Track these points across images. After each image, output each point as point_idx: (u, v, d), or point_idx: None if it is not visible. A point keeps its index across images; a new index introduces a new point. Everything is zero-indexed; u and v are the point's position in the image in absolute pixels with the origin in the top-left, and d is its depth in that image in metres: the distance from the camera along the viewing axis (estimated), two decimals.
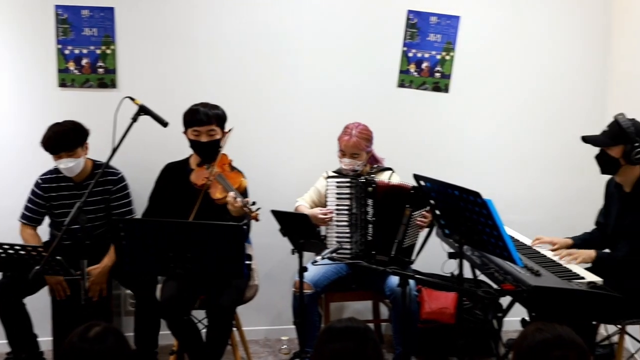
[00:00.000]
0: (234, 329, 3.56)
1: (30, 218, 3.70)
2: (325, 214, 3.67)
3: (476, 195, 2.75)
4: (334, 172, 3.84)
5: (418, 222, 3.62)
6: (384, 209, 3.64)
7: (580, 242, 3.46)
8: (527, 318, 3.44)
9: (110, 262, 3.60)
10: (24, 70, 4.04)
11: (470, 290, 3.41)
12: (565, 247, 3.39)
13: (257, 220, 3.29)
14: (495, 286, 3.28)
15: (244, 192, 3.50)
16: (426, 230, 3.71)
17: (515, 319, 3.58)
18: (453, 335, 3.79)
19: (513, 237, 3.56)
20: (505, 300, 3.68)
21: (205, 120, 3.53)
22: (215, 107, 3.62)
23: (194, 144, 3.59)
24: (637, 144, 3.11)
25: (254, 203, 3.29)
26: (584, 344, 1.81)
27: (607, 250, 3.37)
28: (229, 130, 3.59)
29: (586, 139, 3.28)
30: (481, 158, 4.42)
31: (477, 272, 3.65)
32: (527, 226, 3.87)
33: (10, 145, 4.06)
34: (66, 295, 3.56)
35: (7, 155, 4.07)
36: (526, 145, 4.46)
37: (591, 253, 3.25)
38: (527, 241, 3.57)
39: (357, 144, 3.70)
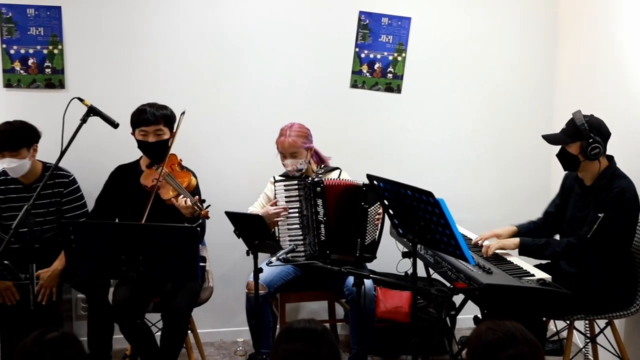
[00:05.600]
0: (189, 331, 3.53)
1: None
2: (276, 207, 3.67)
3: (429, 194, 2.79)
4: (280, 176, 3.83)
5: (375, 218, 3.65)
6: (336, 208, 3.66)
7: (524, 230, 3.55)
8: (479, 315, 3.50)
9: (60, 266, 3.51)
10: None
11: (424, 289, 3.46)
12: (509, 236, 3.49)
13: (207, 217, 3.27)
14: (448, 284, 3.33)
15: (194, 191, 3.47)
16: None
17: (468, 316, 3.63)
18: (408, 334, 3.83)
19: (465, 236, 3.62)
20: (458, 299, 3.73)
21: (152, 120, 3.49)
22: (163, 107, 3.58)
23: (141, 145, 3.54)
24: (591, 140, 3.18)
25: (203, 201, 3.27)
26: (536, 340, 1.84)
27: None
28: (182, 114, 3.53)
29: (546, 138, 3.35)
30: (434, 158, 4.48)
31: (431, 271, 3.70)
32: (480, 224, 3.93)
33: None
34: (15, 300, 3.47)
35: None
36: (478, 145, 4.53)
37: (515, 240, 3.35)
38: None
39: (294, 142, 3.70)
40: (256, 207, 3.84)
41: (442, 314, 3.83)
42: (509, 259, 3.30)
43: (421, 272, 3.30)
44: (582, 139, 3.20)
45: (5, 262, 3.04)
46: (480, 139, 4.53)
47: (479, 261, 3.12)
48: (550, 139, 3.34)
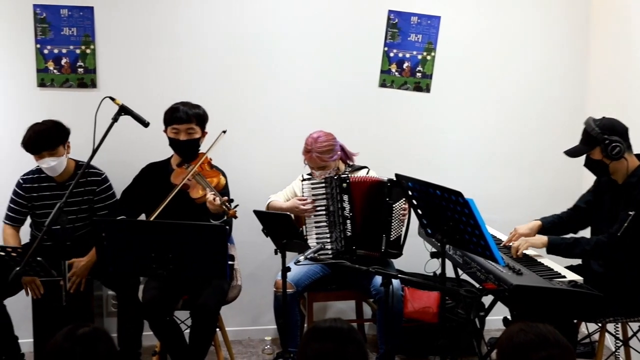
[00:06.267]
0: (217, 329, 3.55)
1: (13, 218, 3.66)
2: (304, 202, 3.68)
3: (458, 194, 2.77)
4: (308, 174, 3.84)
5: (400, 214, 3.65)
6: (362, 204, 3.66)
7: (549, 224, 3.50)
8: (509, 317, 3.47)
9: (94, 258, 3.55)
10: (1, 70, 3.99)
11: (452, 289, 3.42)
12: (535, 233, 3.44)
13: (235, 217, 3.29)
14: (477, 285, 3.30)
15: (223, 190, 3.50)
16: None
17: (497, 317, 3.61)
18: (436, 335, 3.80)
19: (495, 237, 3.58)
20: (487, 300, 3.70)
21: (184, 118, 3.52)
22: (196, 106, 3.61)
23: (172, 142, 3.58)
24: (608, 142, 3.15)
25: (232, 200, 3.29)
26: (568, 343, 1.82)
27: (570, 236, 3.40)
28: (223, 132, 3.54)
29: (567, 153, 3.33)
30: (463, 158, 4.45)
31: (460, 272, 3.67)
32: (509, 225, 3.87)
33: None
34: (42, 294, 3.52)
35: None
36: (507, 144, 4.49)
37: (543, 238, 3.30)
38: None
39: (320, 159, 3.71)
40: (279, 197, 3.86)
41: (470, 314, 3.80)
42: (539, 260, 3.26)
43: (450, 272, 3.28)
44: (599, 143, 3.17)
45: (38, 258, 3.08)
46: (511, 139, 4.49)
47: (508, 262, 3.09)
48: (571, 152, 3.32)
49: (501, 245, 3.46)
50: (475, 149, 4.46)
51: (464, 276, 3.61)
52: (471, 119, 4.44)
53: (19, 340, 3.65)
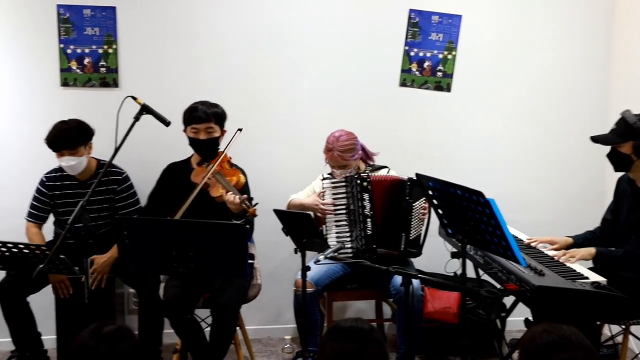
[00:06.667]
0: (237, 328, 3.56)
1: (36, 216, 3.71)
2: (324, 201, 3.69)
3: (479, 194, 2.75)
4: (329, 173, 3.84)
5: (420, 213, 3.64)
6: (382, 203, 3.65)
7: (581, 241, 3.44)
8: (530, 318, 3.44)
9: (115, 254, 3.59)
10: (26, 70, 4.04)
11: (473, 289, 3.41)
12: (565, 247, 3.38)
13: (254, 216, 3.30)
14: (498, 286, 3.28)
15: (243, 189, 3.51)
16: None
17: (518, 318, 3.58)
18: (456, 335, 3.79)
19: (516, 237, 3.56)
20: (508, 300, 3.67)
21: (203, 117, 3.54)
22: (215, 105, 3.62)
23: (192, 142, 3.59)
24: None
25: (251, 199, 3.30)
26: (591, 345, 1.80)
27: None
28: (239, 130, 3.55)
29: (595, 139, 3.26)
30: (484, 157, 4.42)
31: (481, 272, 3.65)
32: (531, 225, 3.87)
33: (13, 143, 4.07)
34: (69, 293, 3.56)
35: (10, 154, 4.08)
36: (529, 144, 4.45)
37: (591, 250, 3.24)
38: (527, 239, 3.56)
39: (341, 157, 3.71)
40: (300, 196, 3.87)
41: (491, 315, 3.78)
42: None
43: (470, 272, 3.27)
44: (635, 138, 3.11)
45: (61, 256, 3.11)
46: (532, 139, 4.45)
47: (530, 262, 3.07)
48: (601, 139, 3.24)
49: (523, 244, 3.43)
50: (497, 149, 4.43)
51: (485, 276, 3.60)
52: (492, 118, 4.41)
53: (42, 337, 3.70)
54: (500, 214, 2.74)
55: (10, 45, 4.02)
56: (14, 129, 4.06)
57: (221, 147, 3.61)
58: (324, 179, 3.81)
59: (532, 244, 3.41)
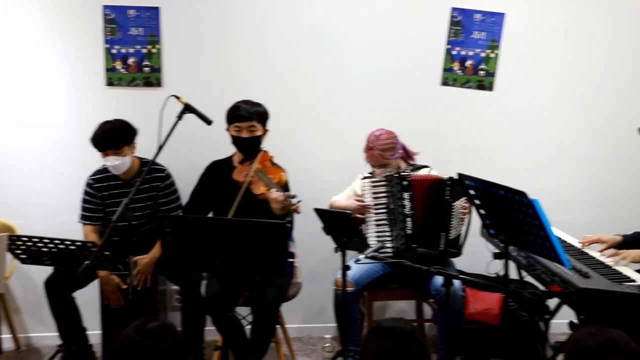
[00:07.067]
0: (278, 326, 3.58)
1: (91, 218, 3.77)
2: (361, 201, 3.69)
3: (522, 195, 2.71)
4: (369, 173, 3.83)
5: (460, 213, 3.61)
6: (422, 202, 3.63)
7: (630, 239, 3.36)
8: (575, 321, 3.37)
9: (157, 254, 3.65)
10: (73, 70, 4.13)
11: (516, 291, 3.36)
12: (613, 245, 3.31)
13: (298, 212, 3.31)
14: (542, 288, 3.23)
15: (284, 187, 3.53)
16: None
17: (562, 321, 3.52)
18: (498, 337, 3.74)
19: (560, 238, 3.50)
20: (552, 302, 3.61)
21: (246, 116, 3.57)
22: (257, 104, 3.65)
23: (235, 140, 3.63)
24: None
25: (294, 196, 3.31)
26: (638, 348, 1.77)
27: None
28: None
29: None
30: (527, 157, 4.35)
31: (523, 273, 3.60)
32: (575, 227, 3.79)
33: (59, 141, 4.16)
34: (120, 304, 3.63)
35: (56, 152, 4.17)
36: (573, 143, 4.37)
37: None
38: (575, 242, 3.50)
39: (381, 156, 3.70)
40: (340, 198, 3.87)
41: (534, 317, 3.72)
42: (607, 262, 3.16)
43: (513, 274, 3.22)
44: None
45: (106, 253, 3.17)
46: (576, 138, 4.37)
47: (575, 264, 3.01)
48: None
49: (575, 247, 3.36)
50: (540, 149, 4.36)
51: (528, 278, 3.54)
52: (536, 117, 4.35)
53: (88, 332, 3.78)
54: (544, 214, 2.69)
55: (58, 46, 4.10)
56: (60, 127, 4.15)
57: (264, 146, 3.63)
58: (364, 178, 3.80)
59: (579, 245, 3.34)
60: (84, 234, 3.77)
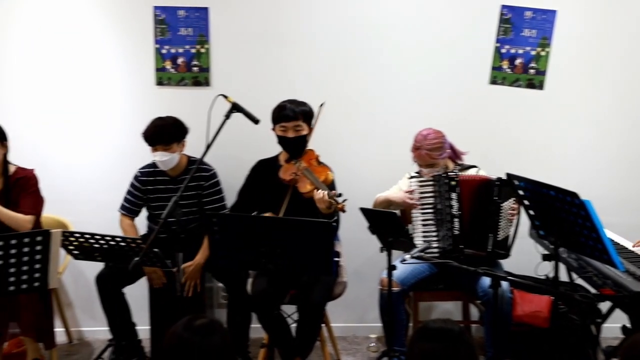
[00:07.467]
0: (323, 325, 3.59)
1: (129, 209, 3.86)
2: (411, 198, 3.65)
3: (573, 195, 2.66)
4: (416, 172, 3.80)
5: (508, 214, 3.55)
6: (470, 203, 3.59)
7: None
8: (628, 325, 3.29)
9: (203, 259, 3.69)
10: (125, 70, 4.21)
11: (566, 294, 3.29)
12: None
13: (343, 211, 3.30)
14: (593, 290, 3.16)
15: (330, 186, 3.53)
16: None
17: (615, 325, 3.43)
18: (547, 340, 3.67)
19: (613, 240, 3.41)
20: (604, 306, 3.53)
21: (292, 116, 3.58)
22: (303, 103, 3.66)
23: (281, 140, 3.64)
24: None
25: (340, 195, 3.31)
26: None
27: None
28: (321, 105, 3.61)
29: None
30: (578, 157, 4.26)
31: (574, 276, 3.52)
32: (628, 229, 3.69)
33: (110, 140, 4.25)
34: (163, 284, 3.68)
35: (107, 150, 4.26)
36: (627, 144, 4.26)
37: None
38: (628, 244, 3.41)
39: (429, 156, 3.67)
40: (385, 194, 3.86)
41: (585, 321, 3.64)
42: None
43: (563, 276, 3.16)
44: None
45: (155, 249, 3.23)
46: (629, 138, 4.26)
47: (628, 267, 2.93)
48: None
49: (628, 249, 3.28)
50: (592, 149, 4.26)
51: (579, 280, 3.47)
52: (588, 117, 4.25)
53: (137, 327, 3.85)
54: (596, 216, 2.64)
55: (111, 46, 4.19)
56: (112, 126, 4.24)
57: (310, 145, 3.64)
58: (412, 177, 3.78)
59: (633, 248, 3.26)
60: (119, 222, 3.85)
